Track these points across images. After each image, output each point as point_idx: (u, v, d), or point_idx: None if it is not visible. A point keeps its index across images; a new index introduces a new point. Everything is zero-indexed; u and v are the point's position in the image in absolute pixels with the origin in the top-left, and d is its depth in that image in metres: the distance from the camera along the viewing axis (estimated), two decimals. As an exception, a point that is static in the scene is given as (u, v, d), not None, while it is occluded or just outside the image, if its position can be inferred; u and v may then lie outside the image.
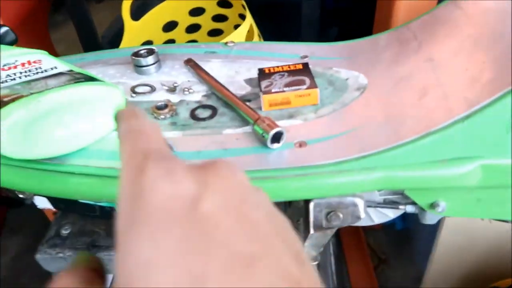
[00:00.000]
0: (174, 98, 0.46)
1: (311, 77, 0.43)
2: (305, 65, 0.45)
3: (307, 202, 0.39)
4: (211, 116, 0.42)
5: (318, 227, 0.39)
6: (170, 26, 0.93)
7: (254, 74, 0.49)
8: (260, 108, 0.43)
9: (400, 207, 0.43)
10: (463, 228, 0.77)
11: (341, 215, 0.38)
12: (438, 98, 0.37)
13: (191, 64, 0.49)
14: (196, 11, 0.91)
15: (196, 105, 0.44)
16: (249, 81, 0.48)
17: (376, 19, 0.81)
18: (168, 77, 0.50)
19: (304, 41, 0.54)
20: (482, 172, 0.35)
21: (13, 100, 0.37)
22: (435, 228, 0.84)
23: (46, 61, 0.47)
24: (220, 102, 0.44)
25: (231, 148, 0.38)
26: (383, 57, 0.46)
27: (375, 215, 0.46)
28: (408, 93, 0.39)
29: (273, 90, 0.42)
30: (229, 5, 0.86)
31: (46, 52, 0.50)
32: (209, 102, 0.45)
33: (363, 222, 0.45)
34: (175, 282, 0.14)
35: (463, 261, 0.82)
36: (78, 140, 0.39)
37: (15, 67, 0.46)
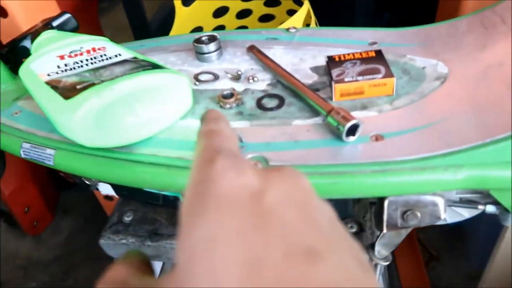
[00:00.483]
0: (238, 86, 0.44)
1: (387, 66, 0.40)
2: (378, 53, 0.42)
3: (381, 199, 0.37)
4: (279, 106, 0.41)
5: (392, 226, 0.37)
6: (220, 11, 0.92)
7: (320, 61, 0.46)
8: (330, 98, 0.41)
9: (479, 206, 0.40)
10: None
11: (419, 215, 0.36)
12: (536, 90, 0.33)
13: (254, 51, 0.48)
14: (248, -4, 0.89)
15: (261, 94, 0.43)
16: (315, 69, 0.45)
17: (441, 4, 0.76)
18: (231, 65, 0.48)
19: (358, 27, 0.51)
20: None
21: (85, 88, 0.37)
22: (493, 227, 0.80)
23: (110, 48, 0.46)
24: (287, 91, 0.43)
25: (302, 140, 0.37)
26: (466, 43, 0.42)
27: (449, 214, 0.43)
28: (499, 83, 0.36)
29: (345, 79, 0.39)
30: (283, -11, 0.84)
31: (108, 39, 0.50)
32: (275, 91, 0.43)
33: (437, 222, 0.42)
34: (235, 259, 0.15)
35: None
36: (147, 129, 0.39)
37: (81, 54, 0.46)
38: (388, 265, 0.93)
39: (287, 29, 0.53)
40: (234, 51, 0.51)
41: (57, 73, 0.42)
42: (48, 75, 0.42)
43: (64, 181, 1.27)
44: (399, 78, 0.41)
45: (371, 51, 0.42)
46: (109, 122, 0.36)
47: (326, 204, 0.19)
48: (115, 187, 0.48)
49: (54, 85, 0.39)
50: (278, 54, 0.48)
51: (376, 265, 0.39)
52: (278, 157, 0.35)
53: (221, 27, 0.93)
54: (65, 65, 0.43)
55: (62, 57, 0.45)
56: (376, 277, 0.14)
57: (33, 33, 0.55)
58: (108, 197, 1.11)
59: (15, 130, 0.45)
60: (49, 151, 0.42)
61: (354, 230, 0.44)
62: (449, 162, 0.32)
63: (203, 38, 0.49)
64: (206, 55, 0.49)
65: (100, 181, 0.47)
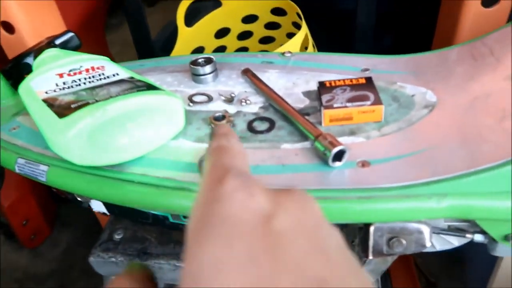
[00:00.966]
0: (231, 109, 0.45)
1: (376, 93, 0.41)
2: (369, 80, 0.43)
3: (366, 225, 0.37)
4: (269, 129, 0.41)
5: (377, 253, 0.37)
6: (222, 32, 0.93)
7: (313, 86, 0.47)
8: (320, 123, 0.41)
9: (468, 235, 0.40)
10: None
11: (404, 242, 0.36)
12: (520, 121, 0.34)
13: (248, 74, 0.49)
14: (249, 19, 0.90)
15: (253, 117, 0.44)
16: (307, 94, 0.46)
17: (437, 32, 0.77)
18: (225, 87, 0.49)
19: (358, 51, 0.52)
20: None
21: (80, 107, 0.38)
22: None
23: (108, 68, 0.48)
24: (278, 115, 0.43)
25: (290, 164, 0.37)
26: (455, 73, 0.43)
27: (438, 242, 0.43)
28: (486, 115, 0.36)
29: (334, 105, 0.40)
30: (283, 13, 0.85)
31: (108, 58, 0.51)
32: (267, 115, 0.44)
33: (426, 248, 0.42)
34: (242, 284, 0.14)
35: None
36: (139, 148, 0.40)
37: (80, 72, 0.47)
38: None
39: (283, 53, 0.54)
40: (229, 73, 0.52)
41: (54, 91, 0.43)
42: (46, 92, 0.43)
43: (63, 194, 1.28)
44: (388, 105, 0.42)
45: (361, 78, 0.43)
46: (101, 141, 0.37)
47: (335, 230, 0.18)
48: (106, 204, 0.48)
49: (50, 103, 0.40)
50: (272, 77, 0.49)
51: (361, 292, 0.38)
52: (265, 181, 0.36)
53: (222, 48, 0.95)
54: (64, 83, 0.44)
55: (61, 75, 0.46)
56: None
57: (36, 51, 0.56)
58: (103, 213, 1.12)
59: (12, 146, 0.46)
60: (42, 167, 0.43)
61: (342, 255, 0.43)
62: (433, 191, 0.33)
63: (199, 60, 0.51)
64: (201, 77, 0.50)
65: (91, 199, 0.48)
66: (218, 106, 0.46)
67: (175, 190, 0.37)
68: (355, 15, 0.88)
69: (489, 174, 0.32)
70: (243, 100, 0.46)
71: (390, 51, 0.51)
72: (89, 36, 1.14)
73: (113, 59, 0.51)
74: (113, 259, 0.48)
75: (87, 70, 0.47)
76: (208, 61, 0.50)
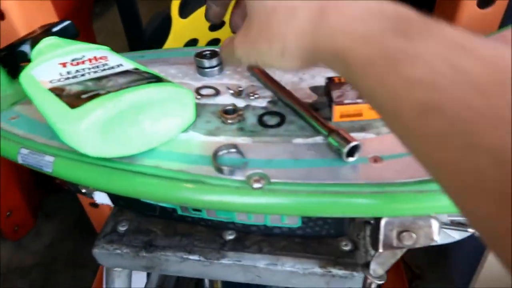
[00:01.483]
0: (239, 102, 0.45)
1: (385, 90, 0.41)
2: (377, 77, 0.43)
3: (377, 219, 0.38)
4: (280, 124, 0.42)
5: (388, 246, 0.38)
6: (216, 25, 0.93)
7: (319, 81, 0.48)
8: (329, 119, 0.42)
9: (469, 229, 0.42)
10: None
11: (414, 236, 0.37)
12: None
13: (255, 68, 0.49)
14: (245, 11, 0.90)
15: (262, 111, 0.44)
16: (314, 89, 0.47)
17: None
18: (231, 81, 0.49)
19: None
20: None
21: (91, 98, 0.37)
22: (477, 247, 0.82)
23: (111, 58, 0.47)
24: (287, 109, 0.44)
25: (303, 159, 0.38)
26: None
27: (440, 235, 0.45)
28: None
29: (345, 101, 0.41)
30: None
31: (109, 48, 0.50)
32: (276, 109, 0.44)
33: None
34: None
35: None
36: (149, 140, 0.39)
37: (83, 62, 0.46)
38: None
39: (288, 48, 0.54)
40: (234, 67, 0.51)
41: (59, 80, 0.42)
42: (51, 82, 0.42)
43: (48, 185, 1.25)
44: (397, 102, 0.43)
45: (370, 74, 0.44)
46: (113, 132, 0.37)
47: None
48: (111, 196, 0.48)
49: (57, 93, 0.39)
50: (278, 72, 0.49)
51: (370, 284, 0.40)
52: (280, 174, 0.36)
53: (216, 40, 0.94)
54: (68, 73, 0.43)
55: (64, 65, 0.45)
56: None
57: (33, 39, 0.55)
58: (93, 204, 1.10)
59: (13, 135, 0.45)
60: (48, 157, 0.42)
61: (348, 248, 0.45)
62: (444, 186, 0.34)
63: (205, 53, 0.50)
64: (207, 70, 0.50)
65: (97, 190, 0.47)
66: (225, 100, 0.46)
67: (188, 182, 0.37)
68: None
69: (498, 170, 0.33)
70: (251, 94, 0.46)
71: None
72: (77, 24, 1.11)
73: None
74: (118, 251, 0.47)
75: (90, 60, 0.47)
76: (214, 54, 0.50)
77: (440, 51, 0.19)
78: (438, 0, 0.75)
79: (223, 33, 0.94)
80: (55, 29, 0.57)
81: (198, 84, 0.49)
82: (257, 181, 0.35)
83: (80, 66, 0.45)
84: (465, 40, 0.19)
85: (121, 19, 0.95)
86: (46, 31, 0.56)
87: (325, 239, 0.45)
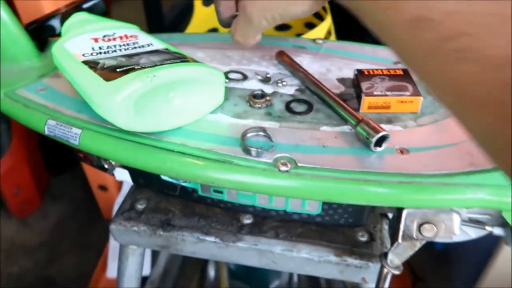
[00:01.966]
0: (267, 88, 0.46)
1: (414, 84, 0.42)
2: (406, 71, 0.44)
3: (399, 209, 0.38)
4: (307, 111, 0.42)
5: (407, 237, 0.38)
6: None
7: (347, 74, 0.48)
8: (357, 110, 0.42)
9: (487, 228, 0.42)
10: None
11: (435, 228, 0.37)
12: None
13: (284, 56, 0.49)
14: (268, 4, 0.90)
15: (290, 98, 0.44)
16: (342, 81, 0.47)
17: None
18: (259, 67, 0.50)
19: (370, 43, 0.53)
20: None
21: (126, 71, 0.38)
22: (481, 253, 0.82)
23: (142, 37, 0.47)
24: (315, 98, 0.44)
25: (330, 146, 0.38)
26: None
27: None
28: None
29: (375, 93, 0.41)
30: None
31: (138, 27, 0.51)
32: (303, 97, 0.44)
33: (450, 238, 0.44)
34: None
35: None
36: (179, 118, 0.40)
37: (114, 39, 0.47)
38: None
39: (314, 40, 0.55)
40: (262, 54, 0.52)
41: (91, 54, 0.43)
42: (83, 55, 0.42)
43: (57, 165, 1.26)
44: (424, 98, 0.43)
45: (398, 69, 0.44)
46: (146, 107, 0.37)
47: None
48: (132, 173, 0.48)
49: (91, 65, 0.40)
50: (305, 62, 0.50)
51: (387, 274, 0.40)
52: (307, 159, 0.37)
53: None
54: (100, 48, 0.44)
55: (96, 40, 0.46)
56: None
57: (64, 14, 0.55)
58: (102, 187, 1.11)
59: (41, 106, 0.45)
60: (75, 130, 0.42)
61: (365, 239, 0.45)
62: (470, 181, 0.34)
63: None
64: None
65: (119, 166, 0.48)
66: (253, 85, 0.47)
67: (215, 162, 0.38)
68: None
69: (526, 168, 0.34)
70: (279, 81, 0.46)
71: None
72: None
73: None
74: (135, 228, 0.48)
75: (120, 38, 0.47)
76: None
77: None
78: None
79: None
80: (85, 5, 0.57)
81: (226, 68, 0.49)
82: (284, 164, 0.36)
83: (112, 43, 0.46)
84: None
85: (143, 4, 0.96)
86: (76, 7, 0.57)
87: (342, 228, 0.46)
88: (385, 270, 0.40)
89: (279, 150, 0.38)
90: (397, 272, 0.39)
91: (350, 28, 1.06)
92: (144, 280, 0.74)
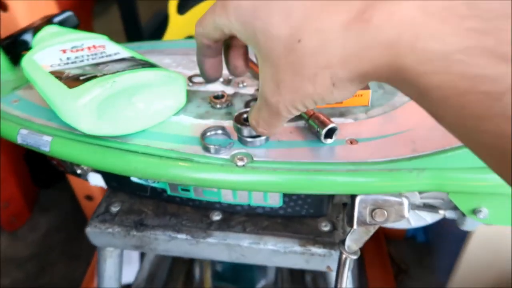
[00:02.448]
0: (228, 90, 0.48)
1: (364, 79, 0.44)
2: (358, 68, 0.46)
3: (352, 197, 0.41)
4: (265, 109, 0.44)
5: (361, 223, 0.41)
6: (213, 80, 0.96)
7: (305, 73, 0.51)
8: (312, 105, 0.45)
9: (440, 211, 0.45)
10: (490, 243, 0.78)
11: (385, 213, 0.40)
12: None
13: (245, 59, 0.52)
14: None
15: (250, 97, 0.47)
16: (300, 79, 0.50)
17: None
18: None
19: None
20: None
21: (88, 79, 0.40)
22: (458, 242, 0.85)
23: (109, 46, 0.50)
24: (273, 97, 0.46)
25: (285, 140, 0.40)
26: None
27: (413, 218, 0.47)
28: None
29: (327, 89, 0.44)
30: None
31: (107, 37, 0.53)
32: (263, 96, 0.47)
33: (402, 224, 0.46)
34: None
35: (487, 276, 0.82)
36: (143, 121, 0.42)
37: (82, 50, 0.49)
38: (358, 275, 0.96)
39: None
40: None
41: (59, 65, 0.45)
42: (51, 66, 0.45)
43: (44, 179, 1.27)
44: (375, 91, 0.46)
45: (351, 65, 0.47)
46: (108, 112, 0.39)
47: None
48: (105, 177, 0.51)
49: (57, 75, 0.42)
50: (267, 63, 0.52)
51: (346, 259, 0.42)
52: (262, 154, 0.39)
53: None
54: (67, 58, 0.46)
55: (64, 51, 0.48)
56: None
57: (36, 28, 0.57)
58: (88, 197, 1.12)
59: (14, 117, 0.47)
60: (46, 137, 0.44)
61: (327, 228, 0.47)
62: (413, 165, 0.37)
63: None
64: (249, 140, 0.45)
65: (92, 170, 0.50)
66: (216, 87, 0.49)
67: (177, 160, 0.40)
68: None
69: (462, 151, 0.36)
70: (240, 82, 0.49)
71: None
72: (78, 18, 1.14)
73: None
74: (110, 230, 0.50)
75: (88, 48, 0.49)
76: None
77: None
78: None
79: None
80: (56, 19, 0.60)
81: (191, 72, 0.52)
82: (241, 159, 0.38)
83: (79, 53, 0.48)
84: None
85: (121, 17, 0.98)
86: (48, 20, 0.59)
87: (306, 219, 0.48)
88: (344, 256, 0.42)
89: (237, 147, 0.40)
90: (354, 257, 0.42)
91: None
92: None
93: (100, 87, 0.38)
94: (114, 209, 0.52)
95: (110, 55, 0.47)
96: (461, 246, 0.83)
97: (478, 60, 0.17)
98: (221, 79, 0.50)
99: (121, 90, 0.39)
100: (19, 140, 0.47)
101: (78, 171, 0.50)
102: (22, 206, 1.23)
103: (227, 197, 0.47)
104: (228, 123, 0.43)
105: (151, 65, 0.44)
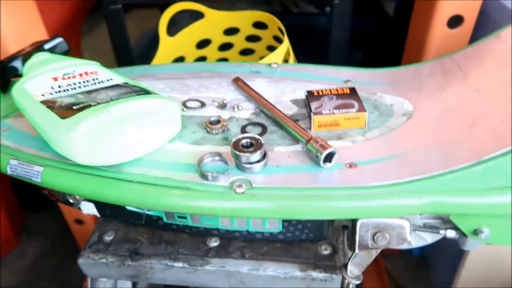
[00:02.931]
0: (224, 114, 0.48)
1: (360, 101, 0.45)
2: (353, 90, 0.46)
3: (353, 221, 0.40)
4: (261, 134, 0.44)
5: (363, 247, 0.40)
6: (203, 43, 0.96)
7: (300, 95, 0.51)
8: (309, 128, 0.45)
9: (441, 232, 0.44)
10: (489, 259, 0.77)
11: (388, 236, 0.39)
12: (487, 128, 0.38)
13: (239, 82, 0.51)
14: (231, 31, 0.94)
15: (245, 122, 0.46)
16: (295, 102, 0.49)
17: (407, 49, 0.84)
18: (216, 94, 0.52)
19: (331, 64, 0.56)
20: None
21: (82, 108, 0.39)
22: (455, 257, 0.84)
23: (102, 73, 0.49)
24: (269, 120, 0.46)
25: (284, 165, 0.40)
26: (428, 85, 0.47)
27: (413, 238, 0.47)
28: (457, 122, 0.41)
29: (323, 112, 0.44)
30: (264, 27, 0.89)
31: (99, 63, 0.53)
32: (258, 120, 0.46)
33: (403, 245, 0.46)
34: None
35: (485, 291, 0.81)
36: (137, 150, 0.41)
37: (74, 77, 0.48)
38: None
39: (269, 64, 0.57)
40: (220, 81, 0.54)
41: (51, 93, 0.44)
42: (43, 95, 0.44)
43: (32, 203, 1.24)
44: (371, 113, 0.46)
45: (346, 88, 0.47)
46: (103, 142, 0.38)
47: None
48: (98, 206, 0.49)
49: (49, 105, 0.41)
50: (261, 86, 0.52)
51: (348, 284, 0.42)
52: (261, 180, 0.38)
53: (203, 58, 0.97)
54: (59, 86, 0.45)
55: (55, 79, 0.47)
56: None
57: (25, 55, 0.56)
58: (78, 221, 1.09)
59: (3, 147, 0.46)
60: (37, 168, 0.43)
61: (328, 252, 0.47)
62: (414, 189, 0.36)
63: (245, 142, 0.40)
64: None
65: (84, 200, 0.48)
66: (211, 112, 0.48)
67: (173, 188, 0.39)
68: (330, 31, 0.93)
69: (461, 173, 0.36)
70: (235, 106, 0.48)
71: (360, 65, 0.56)
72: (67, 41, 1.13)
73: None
74: (104, 260, 0.48)
75: (80, 75, 0.49)
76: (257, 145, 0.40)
77: None
78: (412, 20, 0.80)
79: (210, 51, 0.98)
80: (46, 46, 0.59)
81: (185, 97, 0.51)
82: (240, 186, 0.38)
83: (71, 80, 0.47)
84: None
85: (109, 37, 0.98)
86: (38, 47, 0.58)
87: (306, 243, 0.47)
88: (346, 281, 0.41)
89: (235, 173, 0.39)
90: (357, 282, 0.41)
91: (309, 47, 1.10)
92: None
93: (94, 117, 0.37)
94: (108, 238, 0.50)
95: (102, 82, 0.47)
96: (458, 260, 0.83)
97: None
98: (216, 103, 0.49)
99: (116, 119, 0.38)
100: (9, 171, 0.45)
101: (71, 200, 0.49)
102: (9, 233, 1.19)
103: (225, 223, 0.46)
104: (225, 149, 0.42)
105: (145, 92, 0.43)
